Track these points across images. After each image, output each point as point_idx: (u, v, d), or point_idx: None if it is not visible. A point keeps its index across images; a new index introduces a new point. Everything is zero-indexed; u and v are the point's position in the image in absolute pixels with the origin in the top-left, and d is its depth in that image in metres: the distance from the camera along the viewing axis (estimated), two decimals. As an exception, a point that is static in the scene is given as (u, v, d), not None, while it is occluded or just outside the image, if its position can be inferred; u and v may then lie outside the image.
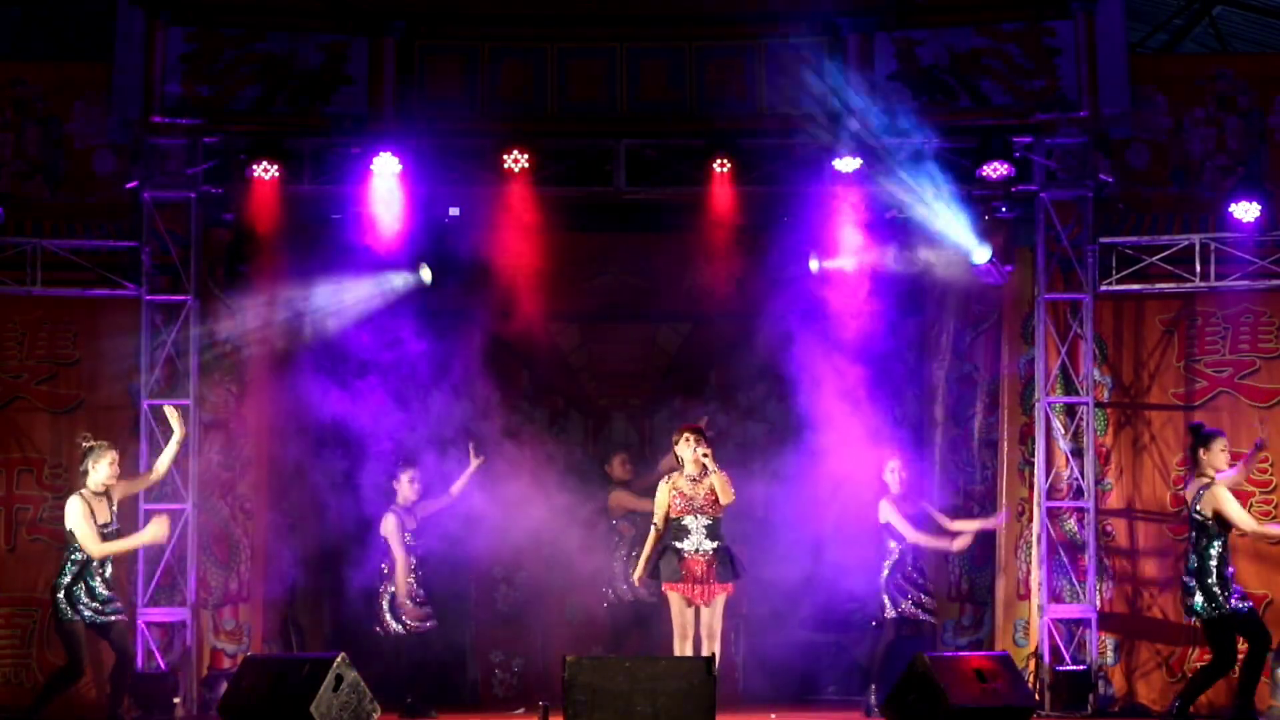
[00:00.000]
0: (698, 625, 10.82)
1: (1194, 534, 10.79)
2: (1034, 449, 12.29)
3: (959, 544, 12.01)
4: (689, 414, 13.00)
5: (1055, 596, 12.13)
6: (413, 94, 12.41)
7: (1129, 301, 12.36)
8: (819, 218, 12.37)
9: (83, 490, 10.74)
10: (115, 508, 10.83)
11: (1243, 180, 12.22)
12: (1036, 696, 11.78)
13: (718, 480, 10.81)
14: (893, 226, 12.52)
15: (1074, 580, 12.11)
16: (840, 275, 12.57)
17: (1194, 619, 10.84)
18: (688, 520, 10.85)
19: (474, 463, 12.20)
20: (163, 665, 11.95)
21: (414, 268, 12.62)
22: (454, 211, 12.55)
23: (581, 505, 12.80)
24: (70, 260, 12.14)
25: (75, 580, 10.62)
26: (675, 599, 10.84)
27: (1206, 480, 10.77)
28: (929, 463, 12.81)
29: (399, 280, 12.64)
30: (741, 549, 11.63)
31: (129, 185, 12.21)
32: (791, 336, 12.62)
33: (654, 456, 13.16)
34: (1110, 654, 12.15)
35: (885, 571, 11.91)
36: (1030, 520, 12.33)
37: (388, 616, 11.86)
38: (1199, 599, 10.66)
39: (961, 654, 11.38)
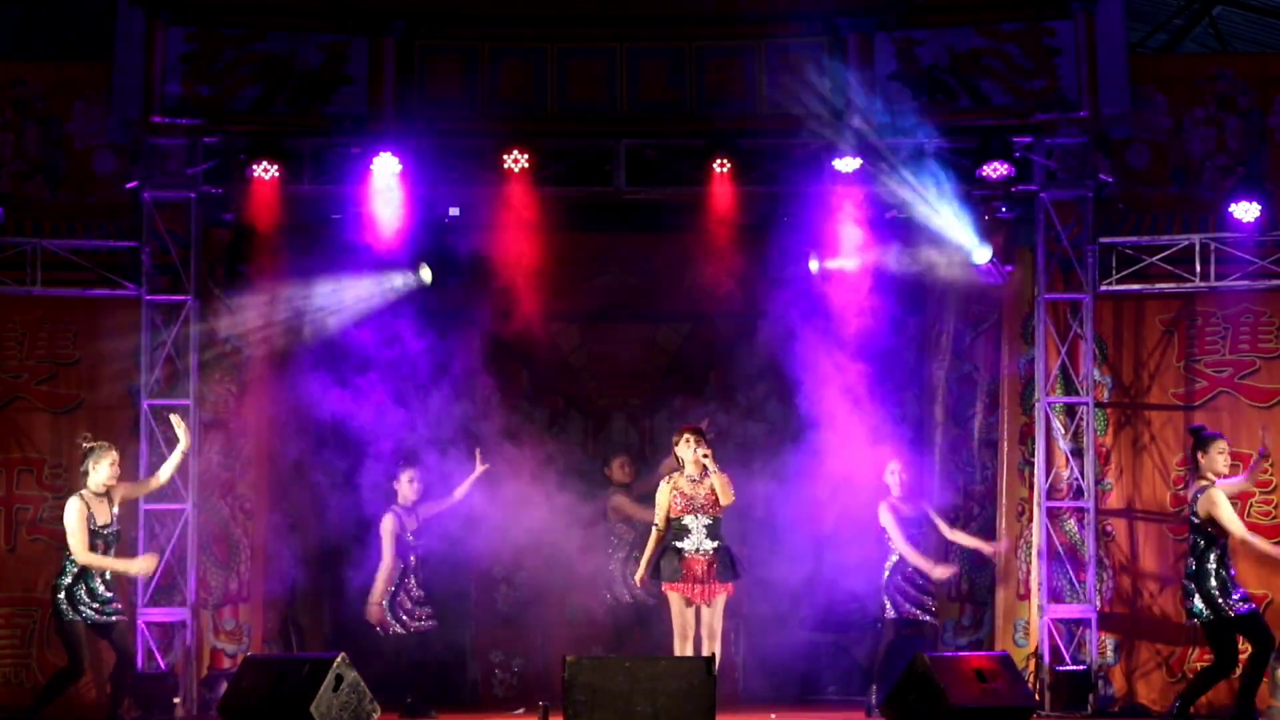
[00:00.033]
0: (698, 625, 10.82)
1: (1193, 537, 10.78)
2: (1034, 449, 12.30)
3: (939, 573, 11.87)
4: (689, 414, 13.01)
5: (1055, 596, 12.13)
6: (413, 94, 12.41)
7: (1129, 301, 12.36)
8: (819, 218, 12.37)
9: (83, 491, 10.72)
10: (117, 509, 10.81)
11: (1243, 180, 12.22)
12: (1036, 696, 11.78)
13: (718, 481, 10.81)
14: (893, 226, 12.52)
15: (1074, 580, 12.11)
16: (840, 275, 12.57)
17: (1195, 621, 10.82)
18: (688, 520, 10.85)
19: (478, 468, 12.20)
20: (163, 665, 11.95)
21: (414, 268, 12.62)
22: (454, 211, 12.55)
23: (581, 505, 12.80)
24: (70, 260, 12.15)
25: (76, 580, 10.60)
26: (675, 599, 10.84)
27: (1205, 483, 10.76)
28: (929, 462, 12.80)
29: (399, 280, 12.64)
30: (742, 549, 11.66)
31: (129, 185, 12.21)
32: (792, 335, 12.62)
33: (654, 456, 13.16)
34: (1110, 654, 12.15)
35: (886, 573, 11.89)
36: (1030, 520, 12.33)
37: (387, 615, 11.87)
38: (1198, 602, 10.65)
39: (961, 654, 11.38)
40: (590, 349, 13.90)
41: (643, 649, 12.30)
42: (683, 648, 10.80)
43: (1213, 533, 10.66)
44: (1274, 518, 12.04)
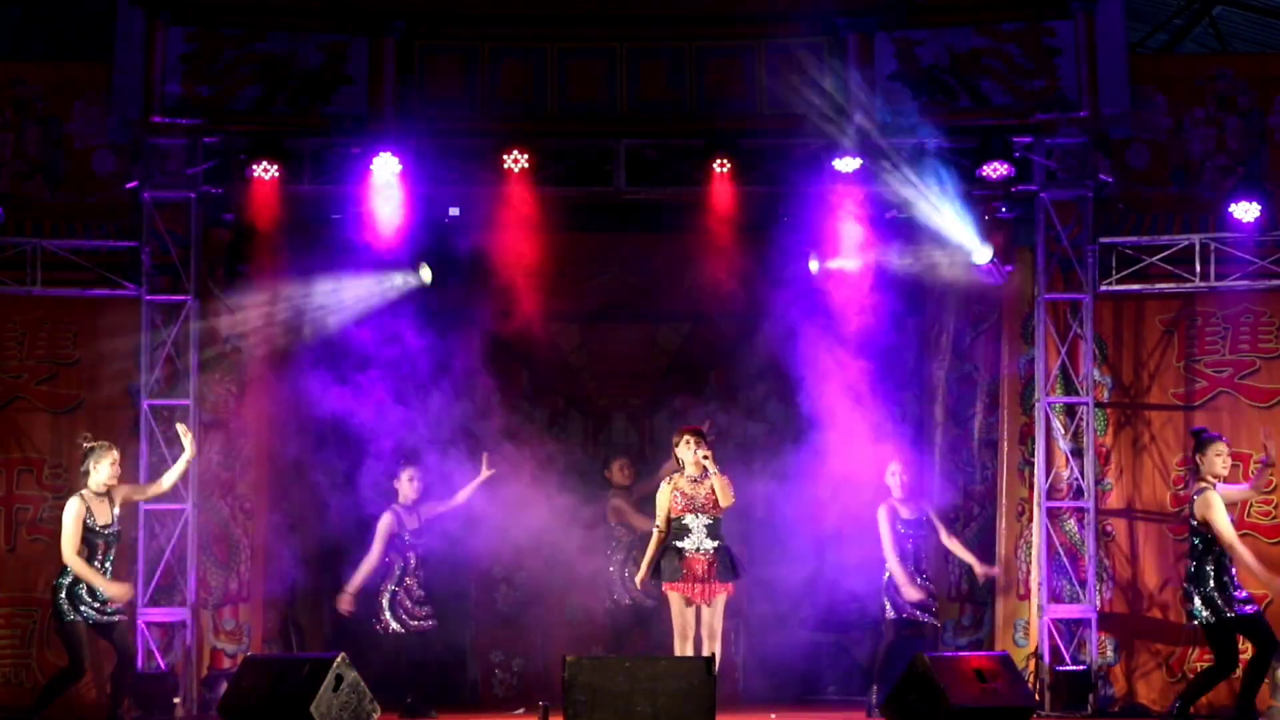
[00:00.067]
0: (698, 625, 10.81)
1: (1192, 539, 10.77)
2: (1034, 449, 12.29)
3: (912, 594, 11.74)
4: (689, 414, 13.01)
5: (1055, 596, 12.13)
6: (413, 94, 12.40)
7: (1129, 301, 12.36)
8: (819, 217, 12.37)
9: (84, 490, 10.72)
10: (118, 509, 10.81)
11: (1243, 180, 12.22)
12: (1036, 696, 11.78)
13: (718, 483, 10.81)
14: (893, 227, 12.52)
15: (1074, 580, 12.11)
16: (841, 275, 12.57)
17: (1195, 624, 10.81)
18: (689, 519, 10.85)
19: (485, 473, 12.19)
20: (163, 665, 11.95)
21: (414, 267, 12.63)
22: (454, 211, 12.55)
23: (582, 506, 12.80)
24: (70, 260, 12.15)
25: (76, 580, 10.59)
26: (675, 599, 10.84)
27: (1203, 485, 10.75)
28: (929, 462, 12.80)
29: (399, 280, 12.65)
30: (742, 549, 11.65)
31: (129, 185, 12.21)
32: (792, 335, 12.61)
33: (654, 456, 13.16)
34: (1110, 654, 12.14)
35: (886, 573, 11.89)
36: (1030, 520, 12.33)
37: (387, 614, 11.87)
38: (1198, 604, 10.63)
39: (961, 654, 11.38)
40: (590, 349, 13.90)
41: (642, 650, 12.29)
42: (683, 648, 10.79)
43: (1210, 535, 10.65)
44: (1274, 518, 12.04)
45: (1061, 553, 12.13)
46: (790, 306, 12.61)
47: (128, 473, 11.25)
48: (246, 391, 12.44)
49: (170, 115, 12.13)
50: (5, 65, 12.84)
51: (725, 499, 10.83)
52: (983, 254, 12.09)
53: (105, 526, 10.69)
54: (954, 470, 12.85)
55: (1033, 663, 12.09)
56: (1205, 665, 11.31)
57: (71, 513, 10.60)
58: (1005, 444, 12.51)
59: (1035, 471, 12.27)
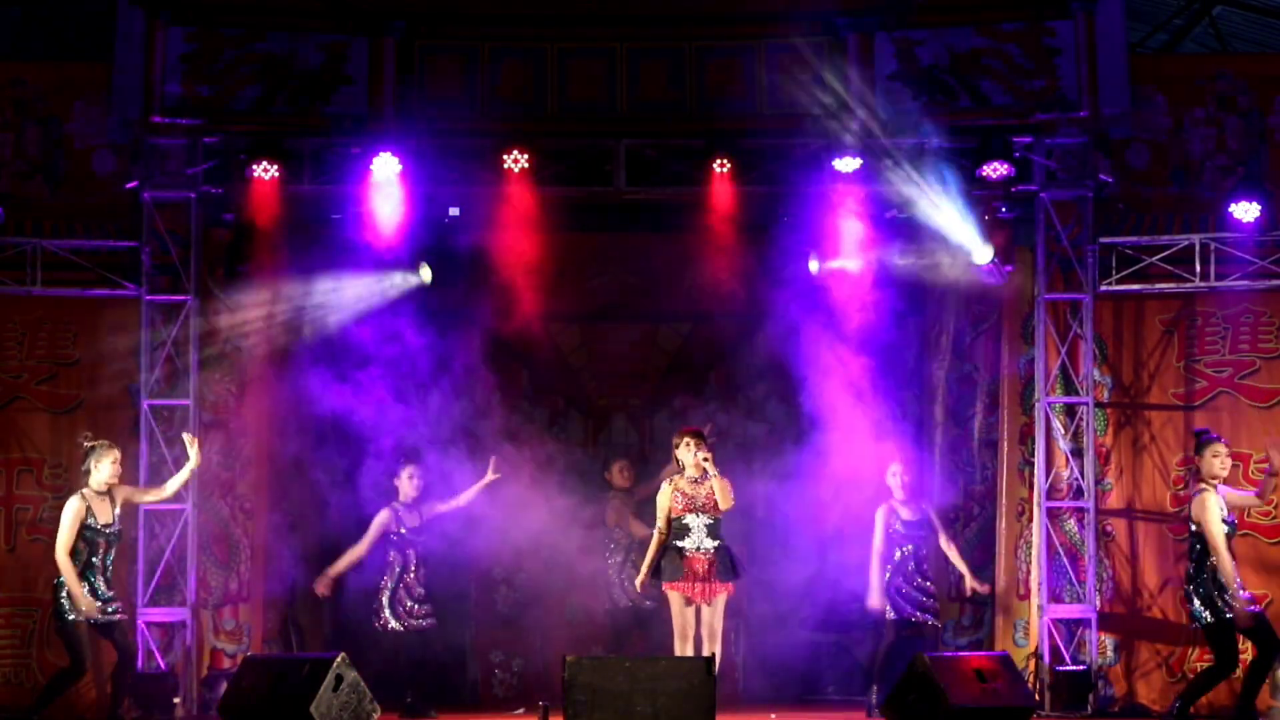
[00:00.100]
0: (698, 625, 10.81)
1: (1191, 540, 10.77)
2: (1034, 449, 12.30)
3: (874, 601, 11.77)
4: (689, 414, 13.01)
5: (1055, 596, 12.13)
6: (413, 94, 12.40)
7: (1129, 301, 12.36)
8: (819, 217, 12.36)
9: (84, 490, 10.74)
10: (118, 509, 10.82)
11: (1243, 180, 12.22)
12: (1036, 696, 11.78)
13: (718, 486, 10.82)
14: (893, 226, 12.51)
15: (1074, 580, 12.11)
16: (841, 274, 12.57)
17: (1196, 625, 10.80)
18: (689, 519, 10.85)
19: (490, 476, 12.18)
20: (163, 665, 11.95)
21: (414, 267, 12.63)
22: (454, 211, 12.55)
23: (581, 506, 12.79)
24: (70, 260, 12.14)
25: (78, 579, 10.60)
26: (676, 599, 10.84)
27: (1201, 487, 10.75)
28: (929, 462, 12.80)
29: (399, 280, 12.64)
30: (742, 549, 11.64)
31: (129, 185, 12.21)
32: (792, 333, 12.61)
33: (655, 456, 13.16)
34: (1110, 654, 12.15)
35: (887, 574, 11.88)
36: (1030, 520, 12.33)
37: (386, 612, 11.87)
38: (1198, 604, 10.63)
39: (961, 654, 11.38)
40: (590, 349, 13.90)
41: (642, 651, 12.29)
42: (683, 648, 10.79)
43: (1206, 536, 10.65)
44: (1274, 519, 12.04)
45: (1061, 553, 12.13)
46: (790, 306, 12.60)
47: (128, 472, 11.25)
48: (246, 391, 12.44)
49: (170, 115, 12.13)
50: (5, 65, 12.83)
51: (725, 502, 10.83)
52: (983, 254, 12.09)
53: (106, 526, 10.70)
54: (954, 470, 12.85)
55: (1033, 663, 12.09)
56: (1205, 665, 11.31)
57: (70, 512, 10.61)
58: (1005, 444, 12.51)
59: (1035, 471, 12.27)
